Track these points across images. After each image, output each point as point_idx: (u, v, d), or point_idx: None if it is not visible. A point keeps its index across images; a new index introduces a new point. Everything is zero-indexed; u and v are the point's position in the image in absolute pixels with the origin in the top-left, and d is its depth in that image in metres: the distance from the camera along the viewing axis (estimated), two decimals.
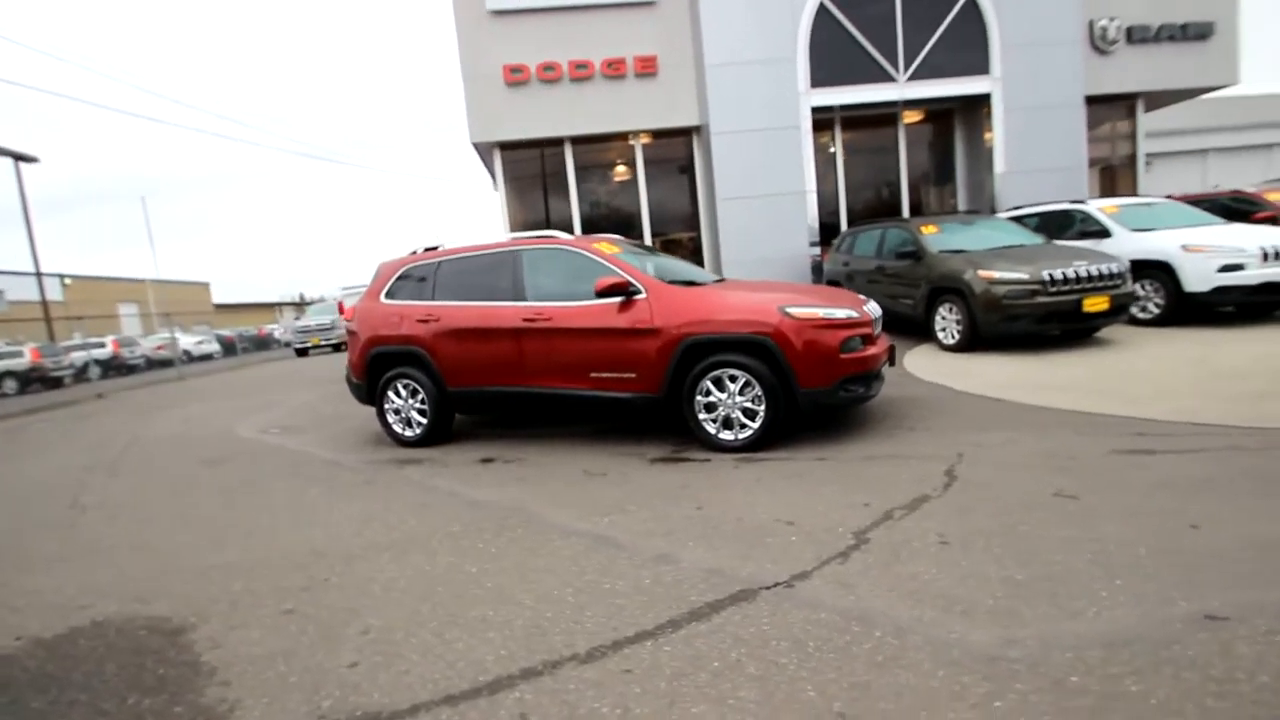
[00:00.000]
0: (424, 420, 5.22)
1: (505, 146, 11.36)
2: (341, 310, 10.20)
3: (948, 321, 7.34)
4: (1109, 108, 12.49)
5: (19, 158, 20.92)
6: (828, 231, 11.58)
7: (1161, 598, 2.10)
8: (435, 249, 5.44)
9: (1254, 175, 19.03)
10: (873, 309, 4.45)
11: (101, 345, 18.39)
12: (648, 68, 11.03)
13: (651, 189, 11.92)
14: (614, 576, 2.60)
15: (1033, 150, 11.43)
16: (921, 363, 6.82)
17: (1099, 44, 11.70)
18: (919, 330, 7.68)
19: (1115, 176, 13.27)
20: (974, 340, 7.02)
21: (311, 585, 2.81)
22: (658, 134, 11.70)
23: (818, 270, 11.18)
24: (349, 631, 2.37)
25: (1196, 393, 4.64)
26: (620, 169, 12.02)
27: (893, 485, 3.33)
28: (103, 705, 2.09)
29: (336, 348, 20.84)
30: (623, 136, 11.68)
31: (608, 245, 4.83)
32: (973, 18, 11.12)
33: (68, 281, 28.30)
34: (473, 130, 10.95)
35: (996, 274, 6.72)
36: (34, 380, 16.41)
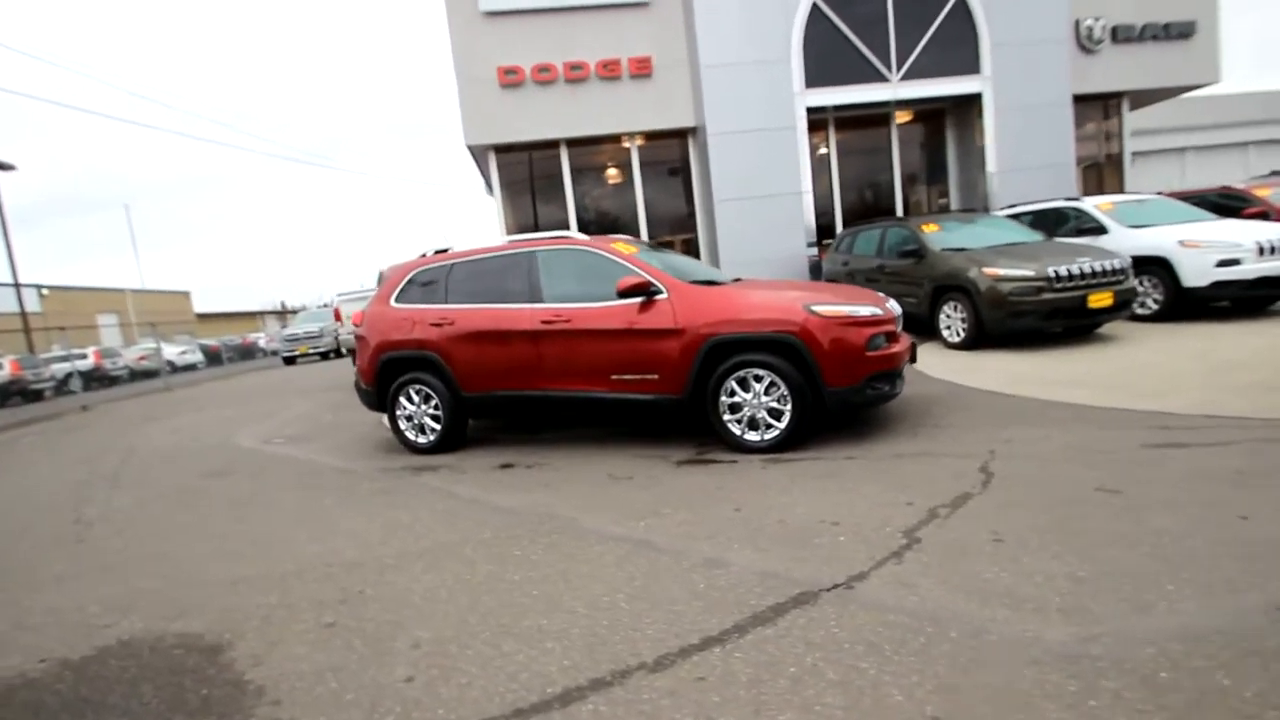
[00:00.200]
0: (437, 426, 5.12)
1: (500, 149, 11.26)
2: (338, 316, 10.02)
3: (952, 319, 7.38)
4: (1095, 106, 12.69)
5: None
6: (822, 232, 11.64)
7: (1229, 589, 2.09)
8: (446, 251, 5.36)
9: (1230, 173, 19.44)
10: (894, 306, 4.44)
11: (83, 356, 17.95)
12: (643, 69, 11.01)
13: (647, 190, 11.89)
14: (665, 581, 2.54)
15: (1023, 148, 11.56)
16: (930, 360, 6.84)
17: (1085, 43, 11.88)
18: (922, 328, 7.71)
19: (1102, 174, 13.47)
20: (979, 338, 7.07)
21: (348, 597, 2.72)
22: (653, 135, 11.67)
23: (815, 270, 11.21)
24: (398, 644, 2.29)
25: (1208, 386, 4.68)
26: (616, 171, 11.97)
27: (930, 483, 3.31)
28: None
29: (324, 356, 20.56)
30: (618, 138, 11.64)
31: (625, 245, 4.77)
32: (962, 18, 11.23)
33: (45, 292, 27.59)
34: (467, 133, 10.84)
35: (1001, 271, 6.76)
36: (14, 393, 15.96)
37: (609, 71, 10.90)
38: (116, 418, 10.72)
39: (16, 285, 19.98)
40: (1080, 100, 11.95)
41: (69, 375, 16.49)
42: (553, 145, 11.41)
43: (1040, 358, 6.34)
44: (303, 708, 2.00)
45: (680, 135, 11.74)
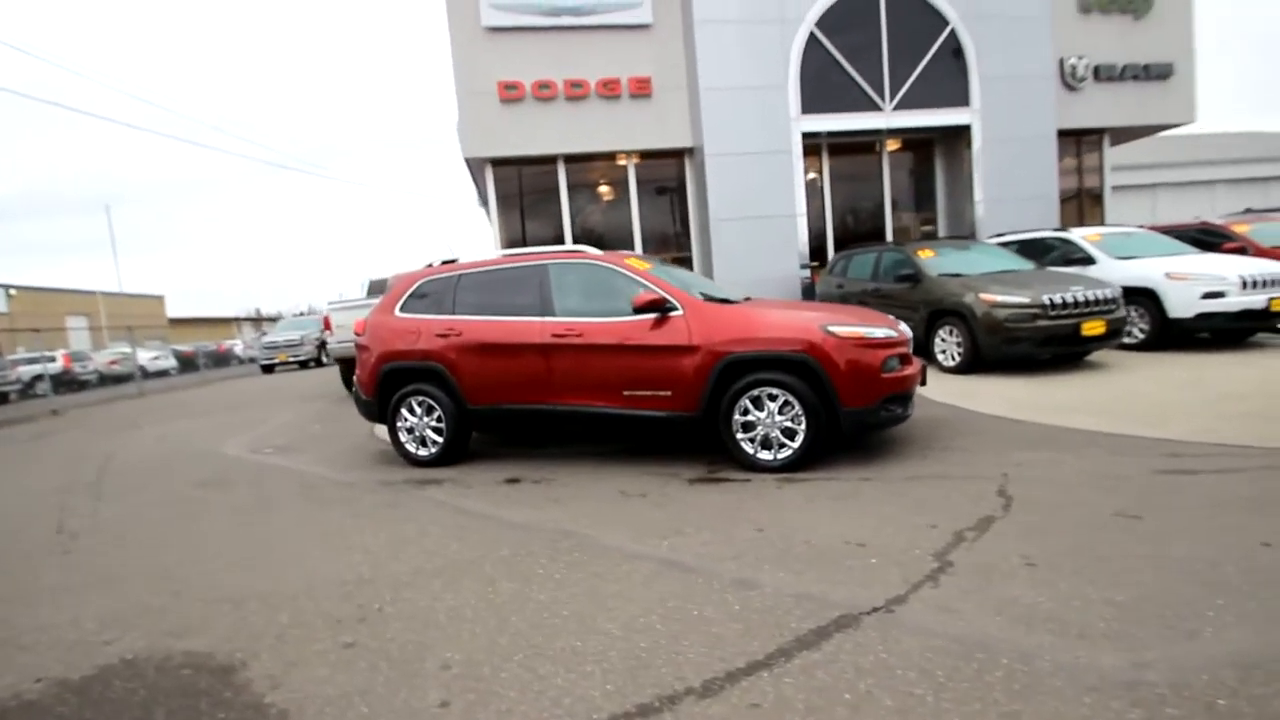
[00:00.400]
0: (439, 439, 5.02)
1: (498, 162, 11.25)
2: (328, 325, 9.83)
3: (948, 344, 7.48)
4: (1078, 141, 13.10)
5: None
6: (814, 254, 11.78)
7: (1268, 616, 2.11)
8: (453, 262, 5.30)
9: (1199, 210, 20.18)
10: (905, 329, 4.48)
11: (52, 359, 17.36)
12: (642, 89, 11.11)
13: (643, 208, 11.95)
14: (698, 603, 2.49)
15: (1009, 179, 11.86)
16: (929, 384, 6.90)
17: (1069, 81, 12.29)
18: (916, 351, 7.77)
19: (1082, 207, 13.88)
20: (974, 362, 7.16)
21: (366, 616, 2.62)
22: (650, 154, 11.76)
23: (808, 292, 11.32)
24: (427, 666, 2.20)
25: (1205, 415, 4.78)
26: (612, 188, 12.02)
27: (950, 506, 3.31)
28: None
29: (304, 365, 20.20)
30: (616, 156, 11.71)
31: (639, 261, 4.77)
32: (953, 52, 11.55)
33: (12, 293, 26.74)
34: (466, 145, 10.82)
35: (998, 297, 6.89)
36: None
37: (609, 90, 10.98)
38: (90, 423, 10.36)
39: None
40: (1064, 135, 12.33)
41: (37, 378, 15.91)
42: (550, 161, 11.43)
43: (1036, 383, 6.44)
44: None
45: (677, 155, 11.85)
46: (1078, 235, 8.83)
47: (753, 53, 11.01)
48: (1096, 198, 13.79)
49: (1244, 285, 6.99)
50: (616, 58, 11.00)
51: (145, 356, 19.07)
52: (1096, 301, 6.74)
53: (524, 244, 11.41)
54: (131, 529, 4.18)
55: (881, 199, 12.69)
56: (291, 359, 19.81)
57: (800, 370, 4.07)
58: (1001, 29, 11.47)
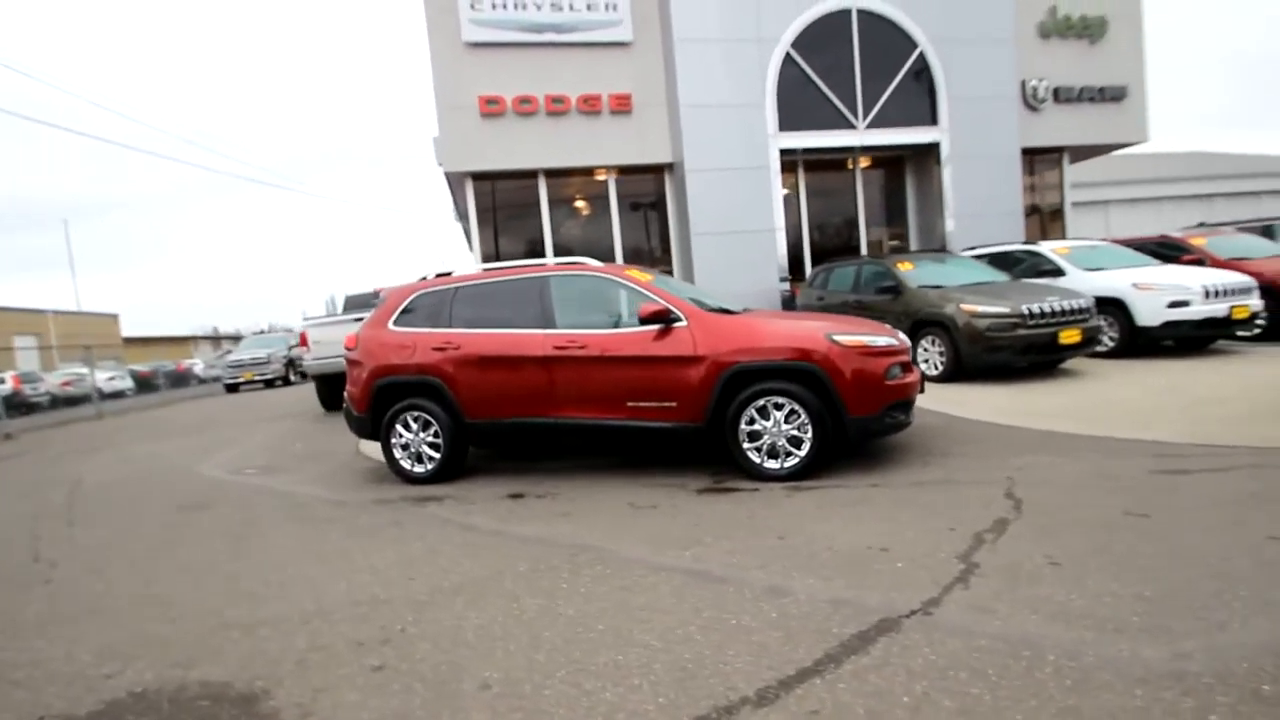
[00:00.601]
0: (436, 455, 4.91)
1: (478, 177, 11.19)
2: (304, 342, 9.58)
3: (930, 353, 7.65)
4: (1040, 159, 13.64)
5: None
6: (791, 268, 11.97)
7: None
8: (448, 275, 5.22)
9: (1148, 226, 21.18)
10: (904, 338, 4.57)
11: (0, 381, 16.51)
12: (623, 105, 11.21)
13: (624, 223, 12.01)
14: (734, 612, 2.47)
15: (977, 195, 12.27)
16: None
17: (1031, 101, 12.82)
18: None
19: (1044, 222, 14.43)
20: (957, 371, 7.34)
21: (390, 637, 2.52)
22: (631, 169, 11.85)
23: (788, 304, 11.48)
24: (465, 686, 2.13)
25: (1185, 417, 4.98)
26: (592, 202, 12.05)
27: (963, 509, 3.36)
28: None
29: (269, 384, 19.62)
30: (597, 171, 11.76)
31: (640, 272, 4.77)
32: (923, 73, 11.96)
33: None
34: (447, 160, 10.75)
35: (979, 308, 7.09)
36: None
37: (590, 106, 11.05)
38: (48, 447, 9.85)
39: None
40: (1026, 153, 12.84)
41: None
42: (531, 175, 11.42)
43: (1018, 391, 6.62)
44: None
45: (657, 170, 11.96)
46: (1047, 248, 9.16)
47: (731, 71, 11.22)
48: (1056, 213, 14.36)
49: (1206, 295, 7.33)
50: (597, 74, 11.09)
51: (100, 377, 18.26)
52: (1072, 311, 6.99)
53: (498, 258, 11.33)
54: (114, 555, 3.97)
55: (855, 214, 12.99)
56: (258, 378, 19.23)
57: (806, 379, 4.11)
58: (967, 52, 11.92)
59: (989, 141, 12.26)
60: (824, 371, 4.05)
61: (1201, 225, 11.19)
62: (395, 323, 5.10)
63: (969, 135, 12.13)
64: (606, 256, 11.87)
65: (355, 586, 3.08)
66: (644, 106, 11.32)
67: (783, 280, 11.75)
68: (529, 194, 11.61)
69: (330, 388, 10.11)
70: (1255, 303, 7.38)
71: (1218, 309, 7.32)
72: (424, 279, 5.28)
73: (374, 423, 5.07)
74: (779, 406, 4.15)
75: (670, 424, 4.37)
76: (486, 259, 11.45)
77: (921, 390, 4.65)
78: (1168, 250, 9.86)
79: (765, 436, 4.19)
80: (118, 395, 20.47)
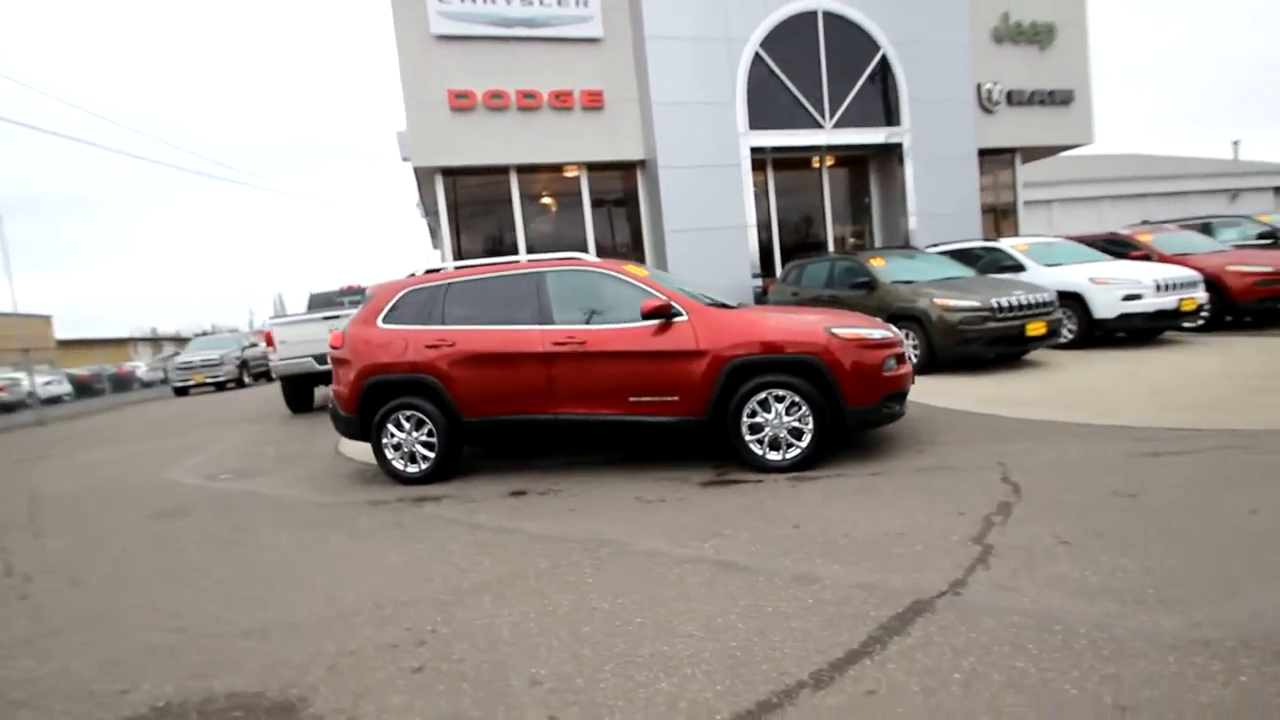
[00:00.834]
0: (430, 455, 4.81)
1: (448, 172, 10.98)
2: (269, 341, 9.23)
3: (904, 346, 7.87)
4: (994, 160, 14.19)
5: None
6: (761, 263, 12.16)
7: None
8: (438, 271, 5.12)
9: (1089, 224, 22.31)
10: (896, 331, 4.70)
11: None
12: (594, 101, 11.16)
13: (596, 219, 11.97)
14: (769, 600, 2.51)
15: (937, 194, 12.69)
16: None
17: (985, 104, 13.33)
18: None
19: (998, 220, 15.03)
20: (930, 363, 7.59)
21: (423, 638, 2.47)
22: (603, 166, 11.81)
23: (760, 300, 11.64)
24: (515, 684, 2.11)
25: (1151, 403, 5.28)
26: (566, 199, 11.97)
27: (965, 494, 3.49)
28: None
29: (221, 386, 18.80)
30: (569, 167, 11.68)
31: (637, 267, 4.77)
32: (885, 74, 12.30)
33: None
34: (415, 154, 10.51)
35: (951, 302, 7.34)
36: None
37: (561, 102, 10.97)
38: None
39: None
40: (982, 154, 13.34)
41: None
42: (502, 171, 11.27)
43: (989, 381, 6.89)
44: None
45: (629, 167, 11.96)
46: (1007, 245, 9.55)
47: (702, 69, 11.30)
48: (1008, 211, 14.98)
49: (1158, 288, 7.77)
50: (568, 69, 11.01)
51: (36, 381, 17.16)
52: (1037, 304, 7.31)
53: (460, 255, 11.15)
54: (93, 566, 3.75)
55: (822, 211, 13.27)
56: (209, 380, 18.40)
57: (807, 372, 4.19)
58: (927, 54, 12.30)
59: (948, 142, 12.69)
60: (825, 364, 4.14)
61: (1145, 223, 11.85)
62: (385, 320, 4.96)
63: (929, 136, 12.53)
64: (580, 252, 11.80)
65: (371, 589, 3.00)
66: (616, 103, 11.30)
67: (755, 276, 11.92)
68: (500, 190, 11.46)
69: (298, 388, 9.78)
70: (1201, 295, 7.87)
71: (1168, 301, 7.77)
72: (413, 275, 5.16)
73: (364, 423, 4.93)
74: (780, 399, 4.22)
75: (672, 418, 4.39)
76: (457, 255, 11.26)
77: (911, 381, 4.80)
78: (1116, 247, 10.42)
79: (767, 429, 4.26)
80: (54, 401, 19.30)
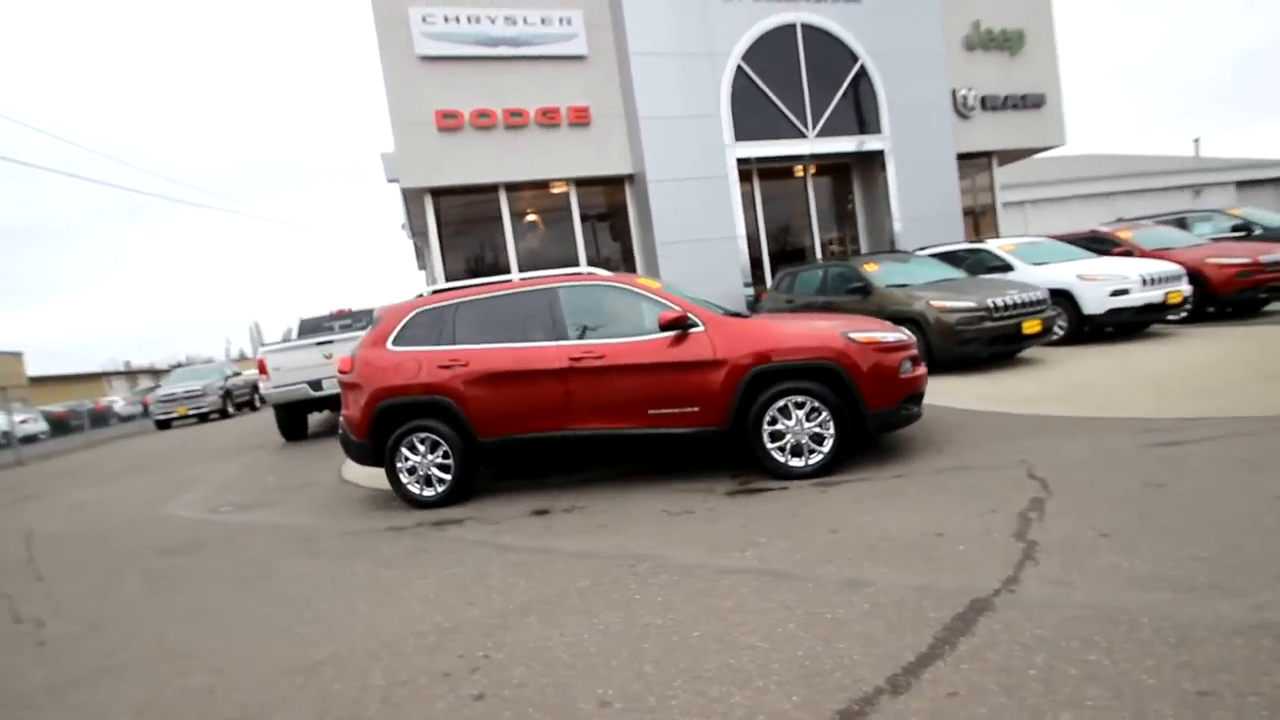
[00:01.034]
0: (446, 477, 4.75)
1: (437, 192, 10.94)
2: (262, 369, 9.07)
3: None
4: (971, 164, 14.51)
5: None
6: (750, 272, 12.27)
7: None
8: (444, 291, 5.08)
9: (1062, 223, 22.85)
10: (909, 333, 4.75)
11: None
12: (581, 118, 11.23)
13: (587, 234, 11.99)
14: (825, 606, 2.50)
15: (919, 199, 12.93)
16: None
17: (961, 110, 13.65)
18: None
19: (978, 222, 15.35)
20: (929, 364, 7.62)
21: (476, 664, 2.42)
22: (592, 181, 11.85)
23: (752, 309, 11.73)
24: (584, 707, 2.07)
25: (1152, 395, 5.39)
26: (556, 215, 11.98)
27: (994, 492, 3.52)
28: None
29: (204, 418, 18.41)
30: (558, 183, 11.71)
31: (649, 280, 4.78)
32: (865, 84, 12.55)
33: None
34: (404, 175, 10.46)
35: (948, 303, 7.45)
36: None
37: (548, 119, 11.01)
38: None
39: None
40: (960, 158, 13.64)
41: None
42: (491, 189, 11.26)
43: (988, 380, 6.98)
44: None
45: (618, 182, 12.01)
46: (994, 246, 9.74)
47: (686, 83, 11.43)
48: (987, 213, 15.32)
49: (1144, 283, 7.97)
50: (554, 87, 11.07)
51: (13, 420, 16.64)
52: (1032, 303, 7.45)
53: (450, 276, 11.09)
54: (109, 609, 3.63)
55: (808, 219, 13.44)
56: (191, 411, 17.99)
57: (827, 377, 4.22)
58: (903, 63, 12.58)
59: (928, 148, 12.96)
60: (843, 368, 4.17)
61: (1120, 220, 12.17)
62: (394, 342, 4.90)
63: (909, 142, 12.79)
64: (572, 267, 11.79)
65: (410, 616, 2.94)
66: (602, 118, 11.38)
67: (746, 285, 12.00)
68: (490, 208, 11.44)
69: (292, 416, 9.61)
70: (1186, 288, 8.08)
71: (1154, 295, 7.97)
72: (420, 296, 5.11)
73: (376, 447, 4.85)
74: (800, 405, 4.24)
75: (692, 429, 4.38)
76: (449, 275, 11.19)
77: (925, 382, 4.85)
78: (1098, 244, 10.68)
79: (788, 435, 4.26)
80: (30, 440, 18.72)
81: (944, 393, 6.59)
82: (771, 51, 11.96)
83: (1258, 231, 10.46)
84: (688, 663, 2.24)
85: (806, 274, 9.92)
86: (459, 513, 4.57)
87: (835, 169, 13.75)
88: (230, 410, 18.90)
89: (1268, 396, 4.76)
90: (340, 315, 11.22)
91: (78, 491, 8.14)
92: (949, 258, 9.95)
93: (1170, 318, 8.75)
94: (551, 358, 4.54)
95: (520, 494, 4.84)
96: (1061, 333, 8.58)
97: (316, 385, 8.89)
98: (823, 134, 12.34)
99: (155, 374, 47.63)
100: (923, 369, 4.57)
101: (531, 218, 12.03)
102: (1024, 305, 7.38)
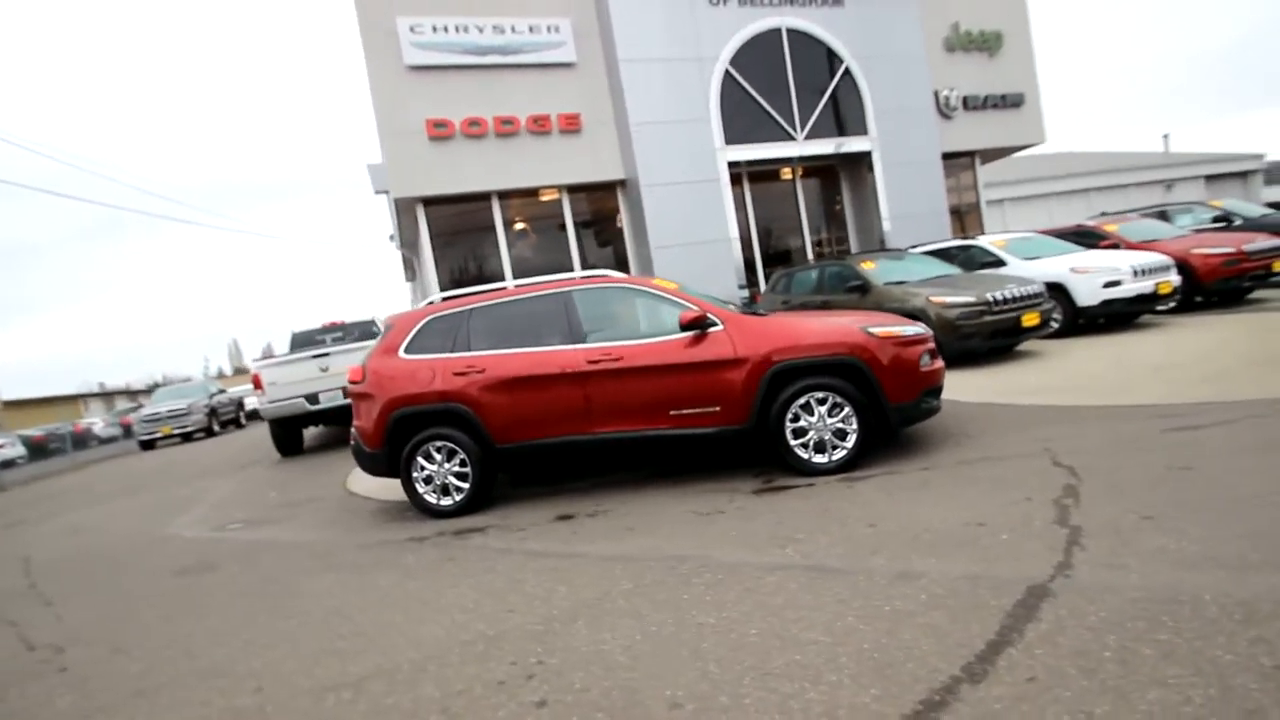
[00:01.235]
0: (464, 485, 4.68)
1: (429, 201, 10.85)
2: (258, 384, 8.89)
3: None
4: (955, 163, 14.74)
5: None
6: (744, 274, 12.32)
7: None
8: (453, 299, 5.02)
9: (1039, 219, 23.29)
10: (924, 327, 4.78)
11: None
12: (572, 124, 11.23)
13: (581, 240, 11.97)
14: (881, 599, 2.48)
15: (907, 198, 13.11)
16: None
17: (944, 110, 13.87)
18: None
19: (963, 219, 15.58)
20: None
21: (530, 671, 2.37)
22: (584, 187, 11.85)
23: (748, 310, 11.76)
24: (655, 709, 2.03)
25: (1157, 382, 5.47)
26: (549, 221, 11.95)
27: (1025, 481, 3.54)
28: None
29: (188, 437, 18.02)
30: (550, 190, 11.68)
31: (664, 281, 4.77)
32: (850, 86, 12.71)
33: None
34: (395, 186, 10.38)
35: (948, 299, 7.53)
36: None
37: (539, 126, 11.00)
38: None
39: None
40: (944, 158, 13.85)
41: None
42: (484, 197, 11.20)
43: (993, 373, 7.06)
44: None
45: (610, 187, 12.01)
46: (985, 241, 9.87)
47: (676, 89, 11.49)
48: (974, 210, 15.56)
49: (1135, 274, 8.12)
50: (544, 94, 11.06)
51: None
52: (1029, 296, 7.55)
53: (444, 285, 11.01)
54: (131, 632, 3.50)
55: (798, 220, 13.56)
56: (176, 431, 17.60)
57: (848, 372, 4.23)
58: (887, 66, 12.77)
59: (913, 148, 13.15)
60: (864, 363, 4.19)
61: (1104, 214, 12.42)
62: (407, 350, 4.83)
63: (895, 143, 12.97)
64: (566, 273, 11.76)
65: (450, 627, 2.87)
66: (593, 125, 11.39)
67: (741, 286, 12.05)
68: (482, 216, 11.38)
69: (288, 431, 9.43)
70: (1175, 278, 8.25)
71: (1145, 286, 8.12)
72: (430, 303, 5.05)
73: (391, 458, 4.76)
74: (821, 401, 4.24)
75: (714, 429, 4.36)
76: (443, 284, 11.09)
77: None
78: (1085, 238, 10.88)
79: (811, 432, 4.26)
80: (8, 465, 18.18)
81: (949, 387, 6.59)
82: (758, 56, 12.07)
83: (1238, 222, 10.73)
84: (753, 660, 2.21)
85: (801, 274, 9.97)
86: (479, 521, 4.50)
87: (823, 170, 13.90)
88: (215, 428, 18.53)
89: (1269, 380, 4.86)
90: (333, 327, 11.06)
91: (69, 515, 7.89)
92: (942, 255, 10.06)
93: (1160, 308, 8.92)
94: (569, 361, 4.50)
95: (541, 500, 4.78)
96: (1057, 325, 8.71)
97: (313, 399, 8.73)
98: (811, 136, 12.46)
99: (132, 395, 46.63)
100: (940, 362, 4.60)
101: (525, 225, 11.97)
102: (1022, 299, 7.47)
